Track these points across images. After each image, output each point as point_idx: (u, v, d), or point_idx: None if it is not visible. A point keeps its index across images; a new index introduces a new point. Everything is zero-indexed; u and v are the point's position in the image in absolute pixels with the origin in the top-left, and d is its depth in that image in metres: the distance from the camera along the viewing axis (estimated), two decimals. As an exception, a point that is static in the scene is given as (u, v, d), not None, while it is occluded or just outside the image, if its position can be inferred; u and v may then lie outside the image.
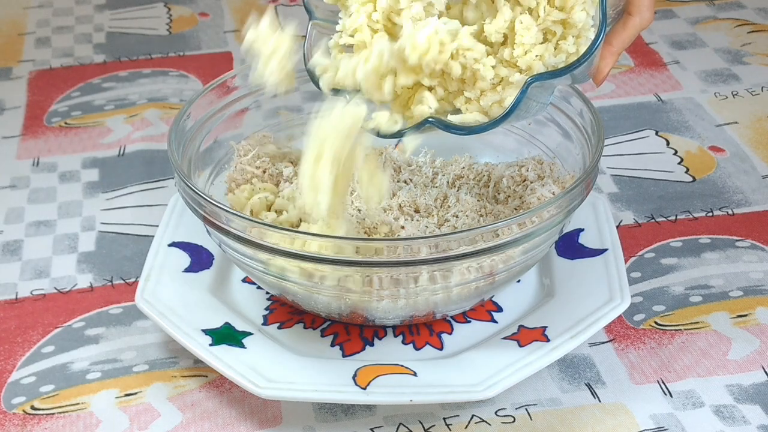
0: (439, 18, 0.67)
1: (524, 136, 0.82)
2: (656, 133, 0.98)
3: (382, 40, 0.67)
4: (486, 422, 0.69)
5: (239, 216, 0.68)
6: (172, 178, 0.93)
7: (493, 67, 0.66)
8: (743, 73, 1.07)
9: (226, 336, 0.72)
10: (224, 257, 0.79)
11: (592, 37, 0.66)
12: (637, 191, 0.91)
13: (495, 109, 0.67)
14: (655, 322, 0.77)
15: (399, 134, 0.68)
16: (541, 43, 0.66)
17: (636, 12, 0.69)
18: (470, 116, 0.67)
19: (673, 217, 0.88)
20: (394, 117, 0.68)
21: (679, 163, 0.94)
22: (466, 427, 0.69)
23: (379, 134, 0.68)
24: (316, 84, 0.70)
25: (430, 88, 0.68)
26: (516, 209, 0.76)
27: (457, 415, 0.70)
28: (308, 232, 0.69)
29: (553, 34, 0.67)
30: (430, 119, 0.67)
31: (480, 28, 0.68)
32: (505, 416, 0.70)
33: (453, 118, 0.67)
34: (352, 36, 0.69)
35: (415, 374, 0.69)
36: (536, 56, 0.66)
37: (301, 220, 0.74)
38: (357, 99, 0.68)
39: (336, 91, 0.69)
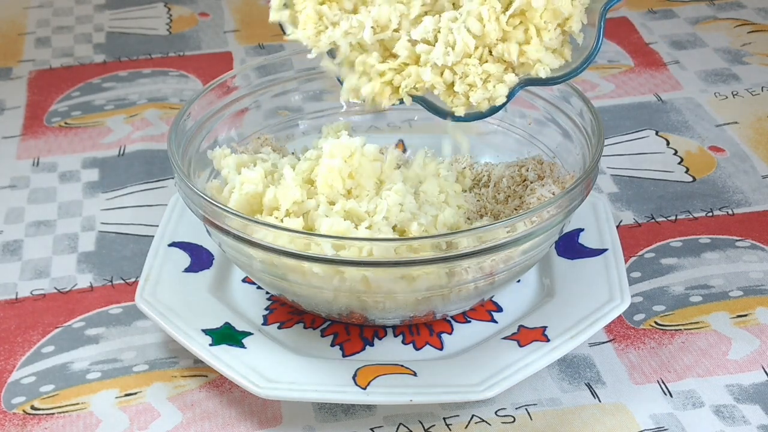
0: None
1: (524, 136, 0.82)
2: (656, 133, 0.98)
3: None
4: (486, 422, 0.69)
5: (239, 216, 0.68)
6: (172, 178, 0.93)
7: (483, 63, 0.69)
8: (743, 73, 1.07)
9: (226, 336, 0.72)
10: (224, 257, 0.79)
11: (577, 38, 0.69)
12: (637, 191, 0.91)
13: (484, 105, 0.69)
14: (655, 322, 0.77)
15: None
16: None
17: None
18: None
19: (673, 217, 0.88)
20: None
21: (679, 163, 0.94)
22: (466, 427, 0.69)
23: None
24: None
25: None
26: (516, 209, 0.76)
27: (457, 415, 0.70)
28: (309, 232, 0.69)
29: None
30: (417, 99, 0.69)
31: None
32: (505, 416, 0.70)
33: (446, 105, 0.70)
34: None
35: (415, 374, 0.69)
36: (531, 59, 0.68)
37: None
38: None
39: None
